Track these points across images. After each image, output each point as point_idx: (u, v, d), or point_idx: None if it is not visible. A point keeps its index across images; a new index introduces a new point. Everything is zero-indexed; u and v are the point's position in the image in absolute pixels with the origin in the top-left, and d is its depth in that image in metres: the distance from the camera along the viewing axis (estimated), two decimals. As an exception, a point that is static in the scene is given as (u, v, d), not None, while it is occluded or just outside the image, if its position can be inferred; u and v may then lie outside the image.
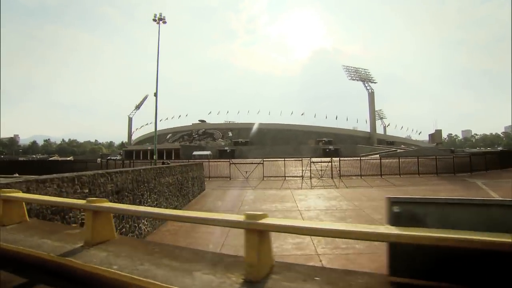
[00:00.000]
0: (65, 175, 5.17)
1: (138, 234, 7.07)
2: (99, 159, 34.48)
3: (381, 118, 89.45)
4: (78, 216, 4.98)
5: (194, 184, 13.66)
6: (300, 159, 21.49)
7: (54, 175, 4.81)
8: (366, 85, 65.31)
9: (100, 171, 6.42)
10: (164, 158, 51.97)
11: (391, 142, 64.99)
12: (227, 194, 13.76)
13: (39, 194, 4.16)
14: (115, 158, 55.62)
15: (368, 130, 69.14)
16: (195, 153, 49.61)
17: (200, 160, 23.75)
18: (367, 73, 65.26)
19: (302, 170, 18.89)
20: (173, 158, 47.59)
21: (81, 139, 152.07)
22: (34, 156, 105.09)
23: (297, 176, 18.78)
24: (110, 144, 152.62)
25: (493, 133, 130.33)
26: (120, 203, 6.51)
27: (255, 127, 62.50)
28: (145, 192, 8.35)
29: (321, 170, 18.96)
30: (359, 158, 20.95)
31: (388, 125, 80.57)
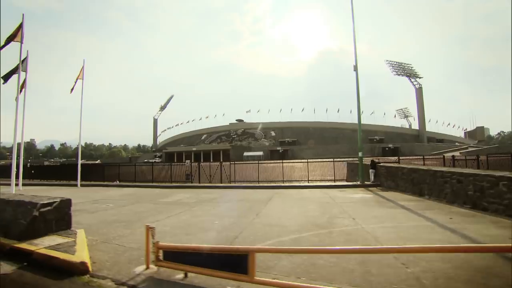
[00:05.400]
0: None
1: None
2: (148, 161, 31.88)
3: (406, 117, 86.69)
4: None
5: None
6: (421, 157, 19.02)
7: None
8: (412, 80, 61.90)
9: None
10: (211, 160, 49.45)
11: (441, 140, 61.47)
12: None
13: None
14: (153, 161, 53.02)
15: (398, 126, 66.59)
16: (246, 153, 46.74)
17: (252, 161, 21.74)
18: (411, 67, 61.85)
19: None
20: (221, 159, 45.11)
21: (94, 142, 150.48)
22: (52, 160, 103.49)
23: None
24: (125, 147, 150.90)
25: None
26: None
27: (299, 126, 59.57)
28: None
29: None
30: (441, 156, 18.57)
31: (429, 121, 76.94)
